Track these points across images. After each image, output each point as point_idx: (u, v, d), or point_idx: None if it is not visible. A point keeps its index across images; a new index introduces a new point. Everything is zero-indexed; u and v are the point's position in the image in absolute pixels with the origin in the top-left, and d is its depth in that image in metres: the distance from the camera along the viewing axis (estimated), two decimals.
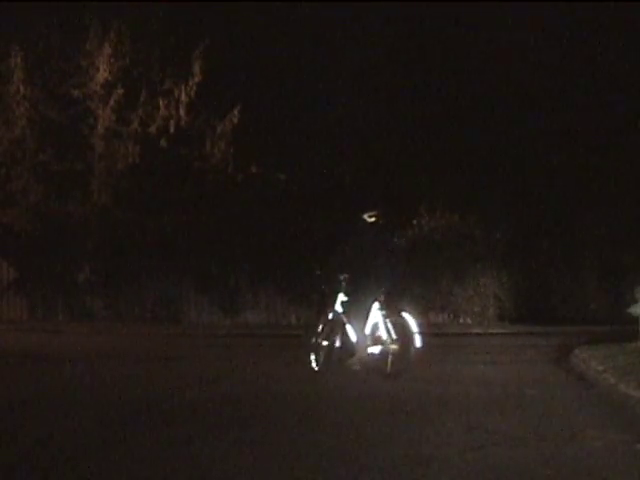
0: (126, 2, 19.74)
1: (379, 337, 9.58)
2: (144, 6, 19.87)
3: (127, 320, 19.38)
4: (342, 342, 9.83)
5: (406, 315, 9.45)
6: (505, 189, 22.06)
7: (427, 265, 20.98)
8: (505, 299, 21.48)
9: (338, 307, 9.89)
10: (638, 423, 6.45)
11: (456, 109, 22.01)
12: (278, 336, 17.28)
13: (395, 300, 9.66)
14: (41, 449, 5.49)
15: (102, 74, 19.88)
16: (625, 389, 7.54)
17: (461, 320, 21.43)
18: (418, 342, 9.28)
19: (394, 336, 9.41)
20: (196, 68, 20.09)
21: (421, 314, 21.09)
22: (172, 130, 20.10)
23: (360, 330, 9.63)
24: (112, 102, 19.83)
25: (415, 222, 21.35)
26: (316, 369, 9.68)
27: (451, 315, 21.47)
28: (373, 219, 9.91)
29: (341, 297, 9.89)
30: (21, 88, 19.69)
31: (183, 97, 20.15)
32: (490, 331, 19.22)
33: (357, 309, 9.70)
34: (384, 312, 9.56)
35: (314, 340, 9.89)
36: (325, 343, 9.84)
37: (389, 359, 9.40)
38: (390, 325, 9.46)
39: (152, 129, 20.10)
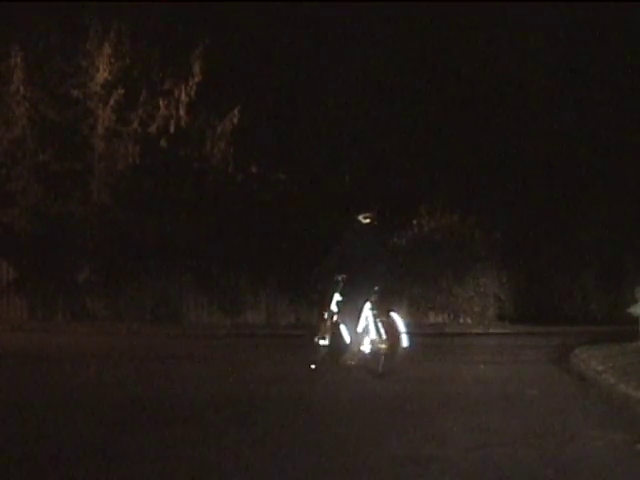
0: (126, 2, 19.74)
1: (370, 337, 9.66)
2: (144, 6, 19.85)
3: (127, 320, 19.37)
4: (337, 342, 9.92)
5: (394, 315, 9.55)
6: (505, 189, 22.08)
7: (427, 265, 21.00)
8: (505, 299, 21.51)
9: (334, 307, 9.99)
10: (638, 423, 6.44)
11: (456, 109, 22.03)
12: (278, 336, 17.29)
13: (386, 300, 9.73)
14: (41, 449, 5.48)
15: (102, 74, 19.87)
16: (625, 389, 7.54)
17: (461, 320, 21.44)
18: (405, 342, 9.39)
19: (384, 336, 9.50)
20: (196, 68, 20.08)
21: (421, 314, 21.22)
22: (172, 130, 20.10)
23: (353, 330, 9.72)
24: (112, 102, 19.82)
25: (415, 222, 21.37)
26: (316, 369, 9.73)
27: (451, 315, 21.48)
28: (368, 220, 9.98)
29: (337, 297, 9.98)
30: (21, 88, 19.68)
31: (183, 97, 20.15)
32: (490, 331, 19.23)
33: (350, 309, 9.79)
34: (375, 312, 9.65)
35: (314, 340, 9.98)
36: (323, 343, 9.91)
37: (378, 358, 9.50)
38: (380, 325, 9.55)
39: (152, 129, 20.10)
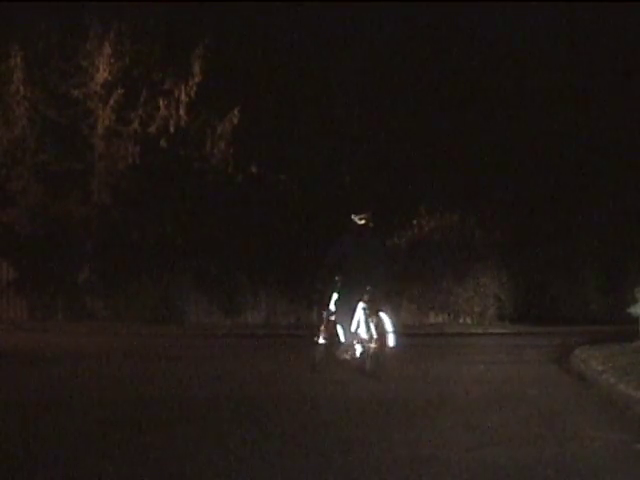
0: (126, 2, 19.74)
1: (361, 336, 9.74)
2: (144, 6, 19.86)
3: (127, 320, 19.37)
4: (333, 341, 9.98)
5: (382, 315, 9.64)
6: (505, 189, 22.07)
7: (427, 265, 21.00)
8: (505, 299, 21.51)
9: (332, 306, 10.05)
10: (638, 423, 6.45)
11: (456, 109, 22.02)
12: (278, 336, 17.30)
13: (378, 300, 9.77)
14: (41, 449, 5.48)
15: (102, 74, 19.88)
16: (625, 389, 7.54)
17: (461, 320, 21.46)
18: (391, 341, 9.50)
19: (374, 335, 9.55)
20: (196, 68, 20.09)
21: (421, 314, 21.24)
22: (172, 130, 20.09)
23: (348, 329, 9.77)
24: (112, 102, 19.83)
25: (415, 222, 21.37)
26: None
27: (451, 315, 21.50)
28: (363, 221, 10.01)
29: (334, 297, 10.04)
30: (21, 88, 19.68)
31: (183, 97, 20.15)
32: (490, 331, 19.25)
33: (345, 309, 9.84)
34: (367, 312, 9.69)
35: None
36: (322, 342, 9.95)
37: (367, 357, 9.59)
38: (372, 324, 9.59)
39: (152, 129, 20.10)
